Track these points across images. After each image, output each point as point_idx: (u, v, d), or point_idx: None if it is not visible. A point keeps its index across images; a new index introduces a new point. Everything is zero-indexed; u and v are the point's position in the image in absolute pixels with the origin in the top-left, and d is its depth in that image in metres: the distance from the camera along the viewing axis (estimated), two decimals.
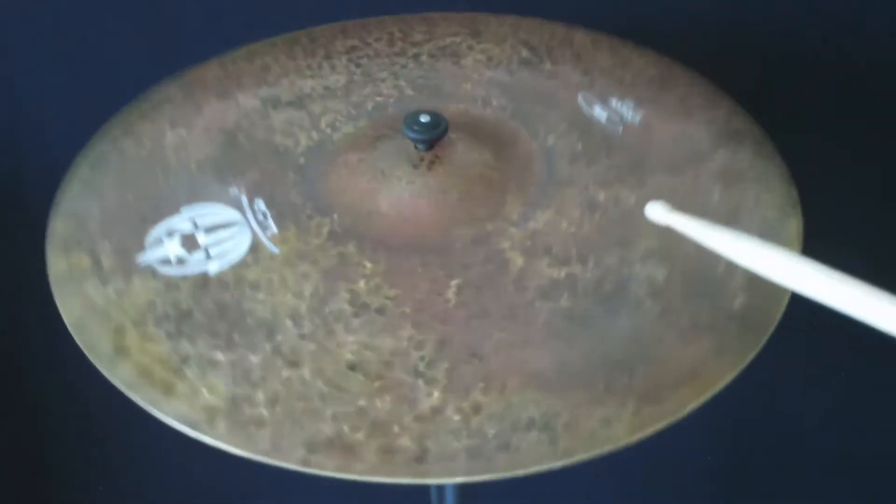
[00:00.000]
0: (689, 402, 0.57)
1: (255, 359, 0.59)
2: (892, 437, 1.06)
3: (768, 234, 0.66)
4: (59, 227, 0.69)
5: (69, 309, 0.63)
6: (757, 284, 0.64)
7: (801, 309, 0.62)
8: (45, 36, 0.98)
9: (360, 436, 0.56)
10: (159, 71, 0.80)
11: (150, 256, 0.66)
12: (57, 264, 0.66)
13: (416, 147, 0.70)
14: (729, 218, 0.67)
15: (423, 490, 0.78)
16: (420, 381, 0.58)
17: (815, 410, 1.08)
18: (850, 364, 1.04)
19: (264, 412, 0.57)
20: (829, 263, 0.67)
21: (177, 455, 1.21)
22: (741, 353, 0.60)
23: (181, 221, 0.68)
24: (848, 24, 0.93)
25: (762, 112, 0.78)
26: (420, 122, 0.69)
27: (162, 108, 0.79)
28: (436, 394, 0.57)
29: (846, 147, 0.95)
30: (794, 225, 0.68)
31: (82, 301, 0.64)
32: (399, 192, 0.68)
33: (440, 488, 0.75)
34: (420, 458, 0.55)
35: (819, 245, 0.68)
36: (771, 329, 0.62)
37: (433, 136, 0.69)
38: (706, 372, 0.59)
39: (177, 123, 0.76)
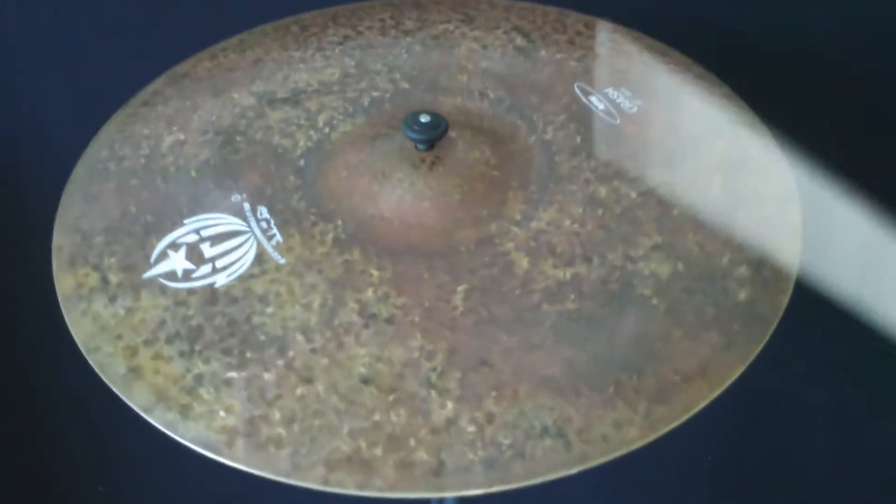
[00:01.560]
0: (699, 400, 0.59)
1: (268, 376, 0.60)
2: (892, 437, 1.07)
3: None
4: (63, 241, 0.69)
5: (80, 329, 0.64)
6: (761, 275, 0.65)
7: (802, 308, 0.63)
8: (45, 36, 0.98)
9: (377, 451, 0.57)
10: (159, 71, 0.80)
11: (156, 271, 0.66)
12: (65, 282, 0.66)
13: (416, 147, 0.70)
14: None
15: None
16: (433, 393, 0.59)
17: (816, 411, 1.09)
18: (850, 364, 1.04)
19: (282, 431, 0.58)
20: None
21: (176, 456, 1.21)
22: (748, 345, 0.61)
23: (186, 233, 0.68)
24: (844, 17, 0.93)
25: (757, 97, 0.78)
26: (420, 122, 0.69)
27: (156, 107, 0.78)
28: (449, 405, 0.58)
29: (844, 134, 0.95)
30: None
31: (92, 320, 0.64)
32: (401, 195, 0.68)
33: None
34: (437, 471, 0.56)
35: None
36: (776, 320, 0.63)
37: (433, 137, 0.69)
38: (715, 367, 0.60)
39: (173, 124, 0.76)
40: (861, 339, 0.97)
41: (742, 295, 0.63)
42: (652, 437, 0.57)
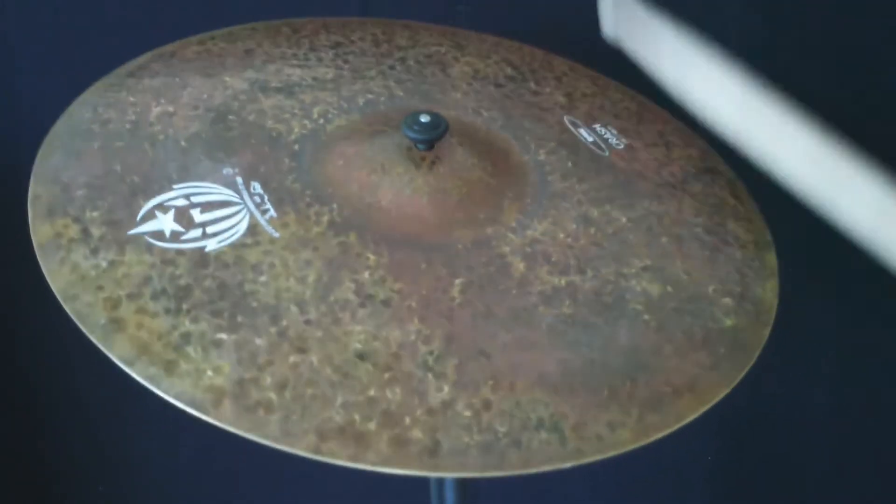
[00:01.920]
0: (688, 414, 0.60)
1: (260, 342, 0.58)
2: (892, 437, 1.10)
3: (749, 267, 0.70)
4: (40, 191, 0.66)
5: (57, 277, 0.61)
6: (743, 308, 0.67)
7: (801, 309, 0.65)
8: (45, 36, 0.98)
9: (371, 426, 0.55)
10: None
11: (142, 229, 0.63)
12: (41, 231, 0.63)
13: (416, 147, 0.70)
14: (714, 248, 0.70)
15: (424, 491, 0.77)
16: (429, 375, 0.58)
17: (816, 411, 1.11)
18: (850, 364, 1.07)
19: (273, 396, 0.56)
20: (803, 297, 0.71)
21: (177, 455, 1.19)
22: (734, 369, 0.63)
23: (175, 197, 0.66)
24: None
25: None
26: (420, 121, 0.69)
27: (143, 80, 0.76)
28: (446, 388, 0.57)
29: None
30: (772, 261, 0.71)
31: (70, 270, 0.61)
32: (400, 189, 0.68)
33: (440, 490, 0.74)
34: (433, 451, 0.55)
35: (793, 280, 0.72)
36: (760, 348, 0.64)
37: (433, 137, 0.69)
38: (702, 385, 0.61)
39: (161, 97, 0.74)
40: (861, 338, 1.00)
41: (728, 322, 0.65)
42: (644, 441, 0.58)
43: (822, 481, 1.14)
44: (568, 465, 0.56)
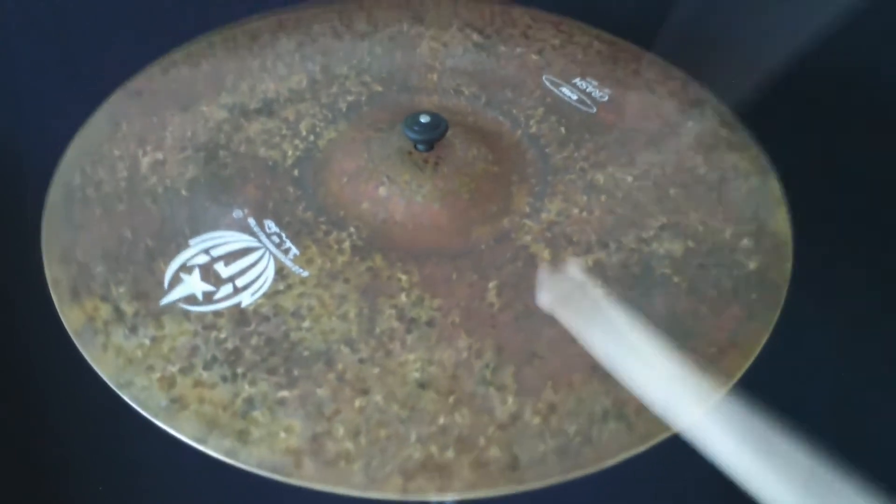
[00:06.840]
0: (736, 370, 0.62)
1: (322, 392, 0.59)
2: (892, 436, 1.13)
3: (757, 197, 0.71)
4: (58, 273, 0.65)
5: (104, 364, 0.61)
6: (762, 244, 0.69)
7: (801, 308, 0.67)
8: (45, 36, 0.96)
9: (449, 454, 0.57)
10: None
11: (173, 296, 0.63)
12: (72, 316, 0.63)
13: (416, 148, 0.70)
14: (720, 187, 0.72)
15: None
16: (491, 389, 0.60)
17: (815, 409, 1.14)
18: (850, 363, 1.10)
19: (349, 445, 0.57)
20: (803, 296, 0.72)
21: (176, 456, 1.18)
22: (768, 312, 0.65)
23: (194, 254, 0.65)
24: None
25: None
26: (420, 122, 0.69)
27: (121, 126, 0.75)
28: (510, 399, 0.59)
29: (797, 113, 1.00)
30: (775, 186, 0.73)
31: (115, 354, 0.61)
32: (410, 198, 0.68)
33: None
34: (513, 466, 0.57)
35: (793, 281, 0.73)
36: (786, 284, 0.66)
37: (434, 136, 0.69)
38: (743, 337, 0.64)
39: (145, 143, 0.73)
40: (861, 338, 1.02)
41: (752, 265, 0.67)
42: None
43: None
44: (640, 450, 0.58)
